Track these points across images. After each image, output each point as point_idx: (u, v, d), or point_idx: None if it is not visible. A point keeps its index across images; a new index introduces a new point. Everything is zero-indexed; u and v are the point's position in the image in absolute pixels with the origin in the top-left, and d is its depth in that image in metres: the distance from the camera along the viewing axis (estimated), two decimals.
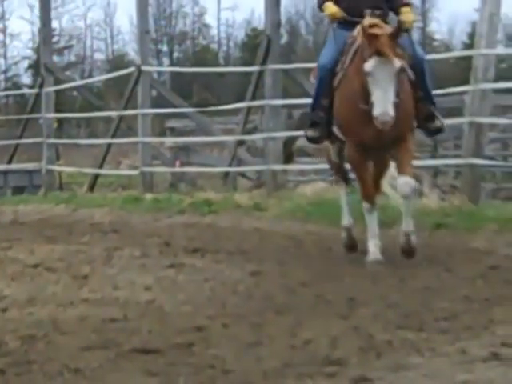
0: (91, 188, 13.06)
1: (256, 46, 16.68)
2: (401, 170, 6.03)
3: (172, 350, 3.74)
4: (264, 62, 11.02)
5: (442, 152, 12.43)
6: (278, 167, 10.92)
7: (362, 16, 6.08)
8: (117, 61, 36.96)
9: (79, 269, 6.29)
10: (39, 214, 11.27)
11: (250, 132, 12.74)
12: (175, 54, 39.73)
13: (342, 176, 6.95)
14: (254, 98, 11.53)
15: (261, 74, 11.17)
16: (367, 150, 6.27)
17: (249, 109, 11.78)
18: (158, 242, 7.51)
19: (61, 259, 6.88)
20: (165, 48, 38.59)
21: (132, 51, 34.08)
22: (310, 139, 6.68)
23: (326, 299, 4.93)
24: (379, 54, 5.76)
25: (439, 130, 6.46)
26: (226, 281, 5.79)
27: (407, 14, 6.14)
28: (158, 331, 4.15)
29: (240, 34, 41.68)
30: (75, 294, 4.82)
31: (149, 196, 10.74)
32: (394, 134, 5.92)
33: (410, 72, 6.09)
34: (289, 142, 12.00)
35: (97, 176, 13.25)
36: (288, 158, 11.84)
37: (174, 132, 15.68)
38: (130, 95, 12.24)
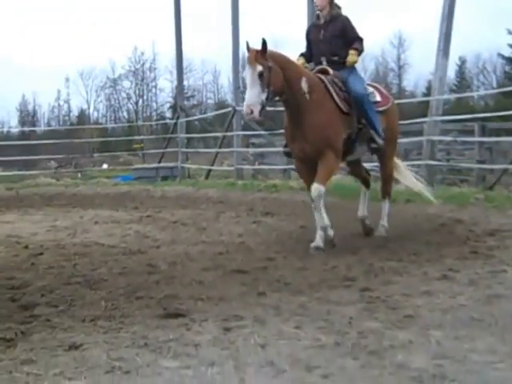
0: (206, 177, 18.37)
1: None
2: (316, 178, 6.68)
3: (255, 271, 5.56)
4: None
5: (411, 157, 18.28)
6: None
7: (321, 62, 7.29)
8: (220, 104, 52.47)
9: (200, 223, 8.63)
10: (176, 192, 14.67)
11: None
12: None
13: (360, 179, 8.11)
14: None
15: None
16: (302, 160, 7.07)
17: None
18: (245, 208, 10.33)
19: (189, 218, 9.51)
20: None
21: (229, 98, 46.08)
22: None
23: (345, 243, 6.90)
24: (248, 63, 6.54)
25: (376, 149, 7.35)
26: (285, 231, 7.97)
27: (351, 56, 7.17)
28: (247, 259, 6.10)
29: None
30: (198, 238, 6.44)
31: (240, 182, 15.61)
32: (313, 150, 6.75)
33: (340, 103, 6.89)
34: None
35: (210, 170, 18.63)
36: None
37: (255, 145, 21.15)
38: (228, 124, 17.99)
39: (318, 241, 6.69)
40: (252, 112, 6.40)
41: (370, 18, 68.22)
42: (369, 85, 7.70)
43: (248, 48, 6.58)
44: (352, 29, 7.31)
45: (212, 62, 67.86)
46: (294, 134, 6.93)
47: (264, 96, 6.44)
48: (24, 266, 5.98)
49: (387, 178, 7.87)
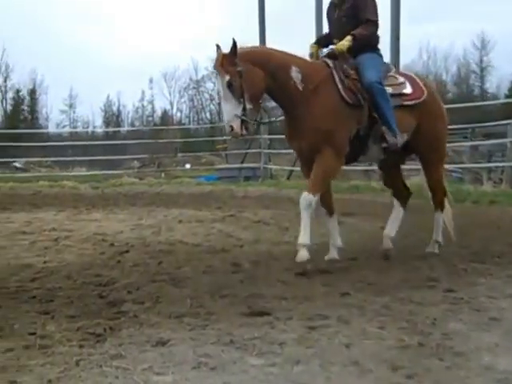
0: (288, 178, 18.71)
1: None
2: (307, 185, 6.03)
3: (337, 271, 5.66)
4: None
5: (495, 158, 18.22)
6: None
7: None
8: None
9: (283, 223, 8.67)
10: (259, 192, 14.79)
11: None
12: None
13: (394, 192, 6.97)
14: None
15: None
16: (302, 160, 6.55)
17: None
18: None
19: (272, 218, 9.59)
20: None
21: None
22: None
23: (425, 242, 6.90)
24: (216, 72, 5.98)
25: (387, 148, 6.31)
26: (367, 231, 8.07)
27: (341, 42, 6.27)
28: (329, 260, 6.21)
29: None
30: (281, 238, 6.53)
31: None
32: (309, 146, 6.01)
33: (343, 93, 6.05)
34: None
35: (291, 171, 18.67)
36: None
37: None
38: None
39: (302, 254, 5.85)
40: (233, 129, 5.77)
41: (452, 20, 67.40)
42: (401, 74, 6.80)
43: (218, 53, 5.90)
44: (364, 8, 6.38)
45: None
46: (291, 131, 6.25)
47: (240, 108, 5.76)
48: (110, 263, 6.16)
49: (434, 188, 6.84)
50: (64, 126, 57.95)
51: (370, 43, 6.44)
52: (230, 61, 5.75)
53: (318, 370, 3.19)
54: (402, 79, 6.56)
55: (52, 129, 55.61)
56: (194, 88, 61.89)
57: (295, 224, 8.72)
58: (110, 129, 50.33)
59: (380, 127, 6.21)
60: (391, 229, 6.72)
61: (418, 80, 6.71)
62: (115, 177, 19.64)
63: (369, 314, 4.22)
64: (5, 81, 53.76)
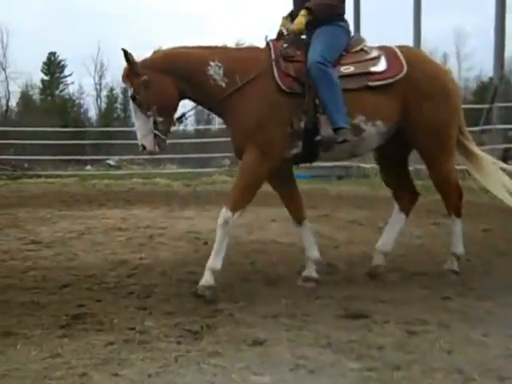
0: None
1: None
2: (226, 199, 5.17)
3: (437, 274, 5.53)
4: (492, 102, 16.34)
5: None
6: None
7: None
8: None
9: (377, 224, 8.35)
10: (352, 191, 14.48)
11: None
12: None
13: (396, 194, 6.00)
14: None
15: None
16: None
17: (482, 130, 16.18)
18: (424, 209, 9.04)
19: (366, 218, 9.42)
20: None
21: None
22: None
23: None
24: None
25: (321, 142, 5.17)
26: (467, 233, 7.37)
27: (297, 19, 5.37)
28: (428, 262, 6.15)
29: None
30: (375, 239, 6.49)
31: (418, 182, 15.16)
32: (236, 147, 5.24)
33: (279, 80, 5.11)
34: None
35: None
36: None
37: None
38: None
39: (207, 278, 4.91)
40: (145, 148, 5.16)
41: None
42: (379, 48, 5.53)
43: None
44: None
45: None
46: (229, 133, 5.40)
47: (150, 122, 5.10)
48: (204, 261, 6.21)
49: (442, 188, 5.64)
50: None
51: (331, 14, 5.47)
52: (133, 71, 5.08)
53: (420, 376, 3.16)
54: (375, 53, 5.45)
55: None
56: None
57: None
58: (201, 126, 50.84)
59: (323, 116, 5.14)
60: (385, 242, 5.75)
61: (398, 53, 5.46)
62: (206, 175, 19.80)
63: (471, 319, 4.14)
64: (100, 79, 55.18)
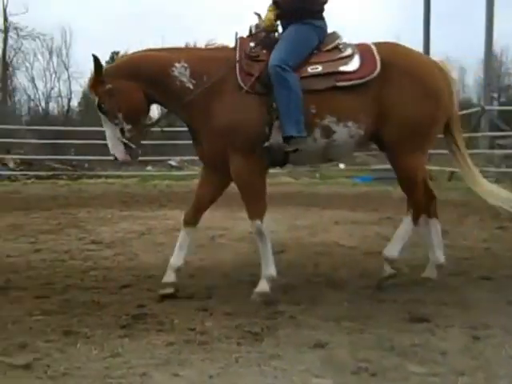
0: (449, 179, 17.58)
1: None
2: (247, 210, 5.11)
3: (502, 278, 5.45)
4: None
5: None
6: None
7: None
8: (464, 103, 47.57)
9: (442, 227, 8.40)
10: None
11: None
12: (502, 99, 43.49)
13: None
14: None
15: None
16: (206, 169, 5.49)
17: None
18: (490, 213, 8.67)
19: None
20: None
21: (474, 98, 43.59)
22: None
23: None
24: None
25: (270, 148, 4.94)
26: None
27: (266, 14, 5.29)
28: (493, 266, 6.01)
29: None
30: None
31: None
32: (211, 153, 5.09)
33: (240, 80, 4.97)
34: None
35: (452, 172, 17.17)
36: None
37: (501, 146, 19.98)
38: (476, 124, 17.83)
39: (263, 286, 4.97)
40: (116, 157, 5.08)
41: None
42: (357, 45, 5.27)
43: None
44: None
45: (457, 59, 66.76)
46: (194, 138, 5.28)
47: (118, 131, 5.03)
48: None
49: (407, 185, 5.35)
50: None
51: (300, 8, 5.22)
52: (97, 80, 5.02)
53: (484, 383, 3.12)
54: (349, 51, 5.19)
55: None
56: None
57: (456, 227, 8.60)
58: None
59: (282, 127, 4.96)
60: (392, 248, 5.39)
61: (374, 51, 5.17)
62: (271, 176, 19.83)
63: None
64: None
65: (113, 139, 5.05)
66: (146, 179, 18.67)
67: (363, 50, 5.19)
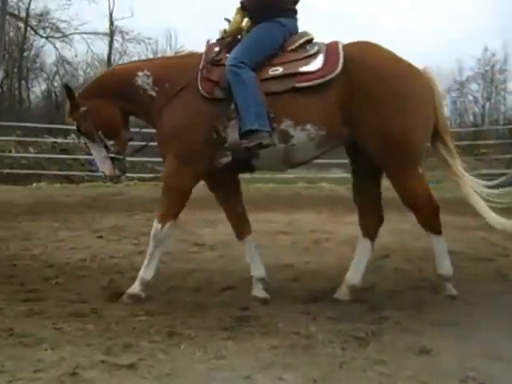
0: None
1: None
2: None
3: None
4: None
5: None
6: None
7: None
8: None
9: None
10: None
11: None
12: None
13: (362, 219, 5.56)
14: None
15: None
16: None
17: None
18: None
19: None
20: None
21: None
22: None
23: None
24: None
25: (228, 150, 4.95)
26: None
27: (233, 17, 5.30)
28: None
29: None
30: None
31: None
32: (161, 156, 5.21)
33: (200, 86, 4.99)
34: None
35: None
36: None
37: None
38: None
39: (135, 287, 5.06)
40: (106, 175, 5.45)
41: None
42: (327, 44, 5.07)
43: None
44: None
45: None
46: None
47: (102, 148, 5.31)
48: (370, 267, 6.24)
49: (409, 202, 5.02)
50: None
51: (265, 7, 5.17)
52: (73, 105, 5.31)
53: None
54: (314, 50, 5.02)
55: None
56: (457, 90, 60.32)
57: None
58: None
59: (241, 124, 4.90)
60: (354, 274, 5.25)
61: (339, 50, 4.96)
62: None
63: None
64: None
65: (99, 158, 5.35)
66: (249, 182, 18.75)
67: (330, 48, 5.01)
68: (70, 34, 35.89)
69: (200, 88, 5.00)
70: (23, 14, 34.63)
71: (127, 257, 6.99)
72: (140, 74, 5.27)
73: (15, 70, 34.80)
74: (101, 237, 8.50)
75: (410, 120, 4.80)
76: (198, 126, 4.96)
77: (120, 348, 3.73)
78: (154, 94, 5.22)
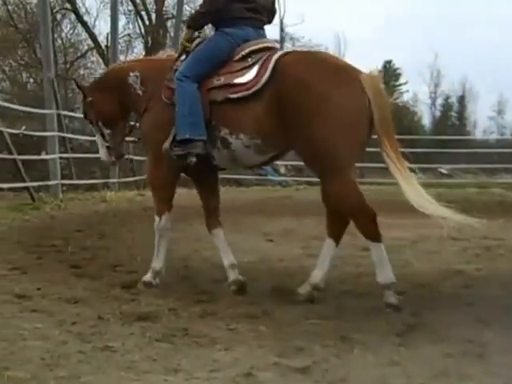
0: None
1: None
2: None
3: None
4: None
5: None
6: None
7: None
8: None
9: None
10: None
11: None
12: None
13: (329, 219, 5.36)
14: None
15: None
16: None
17: None
18: None
19: None
20: None
21: None
22: None
23: None
24: None
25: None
26: None
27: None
28: None
29: None
30: None
31: None
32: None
33: (162, 91, 5.44)
34: None
35: None
36: None
37: None
38: None
39: (148, 275, 5.57)
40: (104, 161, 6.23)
41: None
42: (267, 53, 5.19)
43: None
44: None
45: None
46: None
47: (100, 136, 6.01)
48: None
49: (342, 210, 5.06)
50: (491, 133, 57.24)
51: (209, 22, 5.63)
52: (83, 95, 6.11)
53: None
54: (253, 61, 5.16)
55: (479, 135, 55.29)
56: None
57: None
58: None
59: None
60: (318, 274, 5.29)
61: (272, 60, 5.03)
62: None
63: None
64: (435, 87, 54.87)
65: (99, 143, 6.08)
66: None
67: (267, 59, 5.09)
68: None
69: (162, 94, 5.47)
70: None
71: (296, 260, 7.01)
72: (131, 74, 5.79)
73: None
74: (270, 240, 8.60)
75: (332, 129, 4.75)
76: (164, 128, 5.37)
77: (293, 350, 3.73)
78: (141, 93, 5.74)
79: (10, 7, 31.45)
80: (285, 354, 3.67)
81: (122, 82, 5.82)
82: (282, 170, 22.78)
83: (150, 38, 31.94)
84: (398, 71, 55.43)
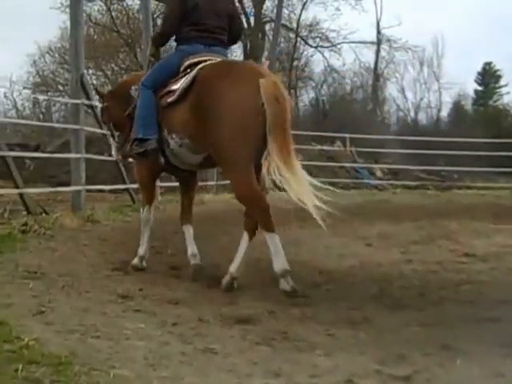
0: None
1: None
2: None
3: None
4: None
5: None
6: None
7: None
8: None
9: None
10: None
11: None
12: None
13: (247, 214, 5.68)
14: None
15: None
16: None
17: None
18: None
19: None
20: None
21: None
22: None
23: None
24: None
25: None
26: None
27: None
28: None
29: None
30: None
31: None
32: None
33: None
34: None
35: None
36: None
37: None
38: None
39: (136, 260, 6.46)
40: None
41: None
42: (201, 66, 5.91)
43: None
44: None
45: None
46: None
47: (113, 138, 7.01)
48: None
49: (241, 202, 5.53)
50: None
51: (166, 41, 6.64)
52: (101, 101, 7.51)
53: None
54: (187, 71, 5.94)
55: None
56: None
57: None
58: None
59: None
60: (236, 266, 5.64)
61: (196, 69, 5.79)
62: None
63: None
64: None
65: (111, 143, 7.17)
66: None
67: (195, 69, 5.81)
68: (339, 44, 36.23)
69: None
70: (294, 25, 35.78)
71: (395, 265, 6.93)
72: (133, 87, 6.57)
73: (285, 79, 35.91)
74: (369, 244, 8.54)
75: (226, 132, 5.31)
76: None
77: (394, 358, 3.65)
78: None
79: (113, 13, 32.34)
80: (386, 361, 3.59)
81: (127, 93, 6.66)
82: (378, 173, 22.55)
83: (248, 42, 32.08)
84: (497, 73, 53.95)
